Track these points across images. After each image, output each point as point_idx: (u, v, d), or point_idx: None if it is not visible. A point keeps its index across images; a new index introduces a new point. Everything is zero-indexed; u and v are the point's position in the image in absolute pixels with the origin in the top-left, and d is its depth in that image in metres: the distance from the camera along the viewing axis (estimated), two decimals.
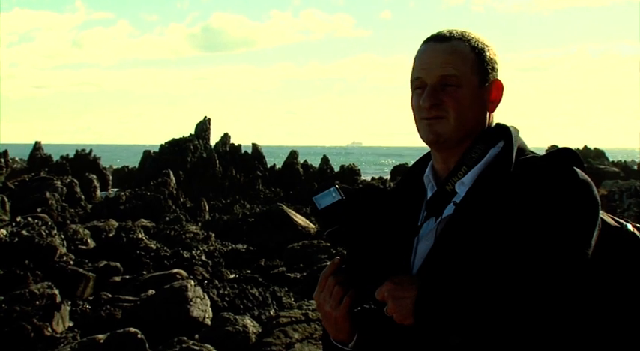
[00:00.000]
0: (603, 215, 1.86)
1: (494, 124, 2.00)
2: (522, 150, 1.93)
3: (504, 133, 1.96)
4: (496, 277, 1.75)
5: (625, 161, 45.24)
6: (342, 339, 1.98)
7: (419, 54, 1.99)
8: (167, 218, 20.47)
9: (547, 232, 1.75)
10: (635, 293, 1.80)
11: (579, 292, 1.74)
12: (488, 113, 1.98)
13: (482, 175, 1.91)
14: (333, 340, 2.01)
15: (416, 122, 1.99)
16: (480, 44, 1.97)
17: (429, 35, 2.02)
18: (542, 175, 1.82)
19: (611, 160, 45.60)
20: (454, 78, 1.92)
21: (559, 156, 1.88)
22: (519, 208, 1.79)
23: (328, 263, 2.03)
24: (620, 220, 1.90)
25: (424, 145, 2.02)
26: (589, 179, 1.82)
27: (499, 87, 1.98)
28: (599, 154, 44.88)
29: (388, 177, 36.05)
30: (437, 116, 1.92)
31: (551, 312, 1.71)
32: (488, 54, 1.97)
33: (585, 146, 46.06)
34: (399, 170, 36.07)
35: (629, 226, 1.87)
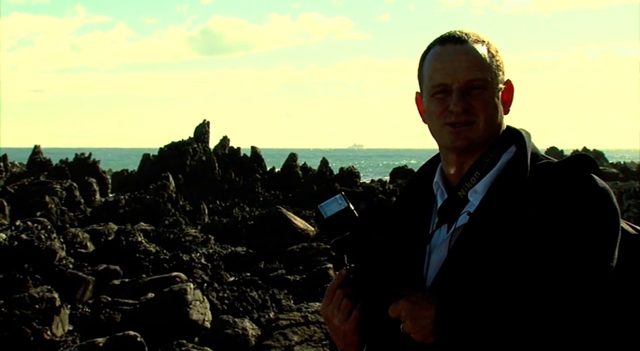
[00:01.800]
0: (622, 223, 1.81)
1: (505, 127, 1.95)
2: (536, 155, 1.89)
3: (516, 137, 1.91)
4: (515, 292, 1.70)
5: (624, 162, 45.31)
6: None
7: (436, 56, 1.92)
8: (166, 221, 20.46)
9: (567, 244, 1.71)
10: None
11: (601, 306, 1.70)
12: (504, 115, 1.94)
13: (497, 182, 1.86)
14: None
15: (436, 127, 1.92)
16: (493, 45, 1.93)
17: (438, 36, 1.96)
18: (560, 183, 1.77)
19: (610, 161, 45.69)
20: (481, 81, 1.87)
21: (576, 162, 1.82)
22: (537, 217, 1.74)
23: (336, 275, 1.97)
24: (638, 227, 1.86)
25: (425, 146, 2.03)
26: (607, 187, 1.78)
27: (511, 88, 1.95)
28: (598, 155, 44.96)
29: (388, 179, 36.05)
30: (466, 121, 1.86)
31: (571, 328, 1.67)
32: (500, 55, 1.94)
33: (584, 147, 46.15)
34: (398, 172, 36.04)
35: None
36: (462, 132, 1.86)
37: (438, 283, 1.83)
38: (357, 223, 1.88)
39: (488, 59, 1.89)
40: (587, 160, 1.82)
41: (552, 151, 46.10)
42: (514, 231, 1.75)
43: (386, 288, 1.82)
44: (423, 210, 1.99)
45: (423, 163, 2.10)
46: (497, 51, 1.93)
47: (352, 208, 1.91)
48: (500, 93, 1.91)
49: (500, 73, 1.92)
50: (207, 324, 9.48)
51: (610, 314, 1.73)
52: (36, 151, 33.85)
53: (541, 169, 1.82)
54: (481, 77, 1.86)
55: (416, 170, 2.13)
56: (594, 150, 46.43)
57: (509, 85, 1.94)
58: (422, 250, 1.92)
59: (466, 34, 1.91)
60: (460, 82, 1.86)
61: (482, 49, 1.90)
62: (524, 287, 1.69)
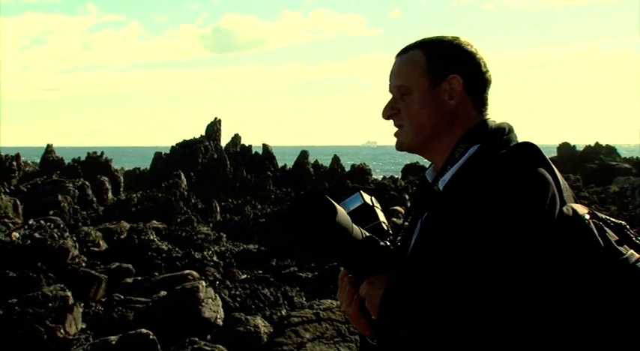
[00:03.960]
0: (568, 207, 1.83)
1: (488, 120, 2.03)
2: (506, 144, 1.95)
3: (483, 129, 1.99)
4: (447, 275, 1.82)
5: (637, 157, 44.98)
6: (369, 335, 2.06)
7: None
8: (178, 219, 20.49)
9: (482, 229, 1.80)
10: (583, 283, 1.76)
11: (512, 292, 1.75)
12: (452, 110, 2.00)
13: (458, 172, 1.96)
14: (365, 336, 2.10)
15: None
16: (435, 46, 2.03)
17: (441, 34, 2.10)
18: (494, 171, 1.86)
19: (623, 156, 45.35)
20: (404, 87, 2.03)
21: (513, 151, 1.91)
22: (477, 204, 1.84)
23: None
24: (584, 211, 1.85)
25: None
26: (541, 174, 1.84)
27: (455, 82, 1.99)
28: (610, 150, 44.61)
29: (399, 176, 35.96)
30: (397, 126, 2.06)
31: (476, 312, 1.75)
32: (446, 52, 2.01)
33: (597, 143, 45.80)
34: (410, 169, 35.93)
35: (587, 216, 1.83)
36: (396, 136, 2.07)
37: (403, 267, 1.96)
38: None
39: (419, 62, 2.02)
40: (526, 150, 1.90)
41: (565, 146, 45.82)
42: (462, 217, 1.85)
43: (365, 273, 1.96)
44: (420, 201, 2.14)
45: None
46: (442, 48, 2.02)
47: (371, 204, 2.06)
48: (438, 90, 2.00)
49: (444, 68, 2.00)
50: (220, 322, 9.50)
51: (532, 296, 1.76)
52: (48, 150, 33.96)
53: (492, 159, 1.91)
54: (402, 84, 2.04)
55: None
56: (607, 145, 46.06)
57: (450, 79, 1.99)
58: (410, 237, 2.06)
59: (414, 43, 2.07)
60: (393, 90, 2.07)
61: (412, 54, 2.05)
62: (453, 273, 1.81)
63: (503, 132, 1.99)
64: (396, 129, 2.07)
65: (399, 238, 2.08)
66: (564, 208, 1.83)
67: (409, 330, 1.84)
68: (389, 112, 2.06)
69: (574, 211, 1.84)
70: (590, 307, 1.76)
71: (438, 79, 1.99)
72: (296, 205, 1.91)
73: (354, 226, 1.90)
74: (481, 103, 2.04)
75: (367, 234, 1.94)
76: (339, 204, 1.92)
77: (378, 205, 2.07)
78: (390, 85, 2.08)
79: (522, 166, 1.85)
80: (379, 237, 1.98)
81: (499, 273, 1.76)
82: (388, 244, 2.00)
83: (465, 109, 2.01)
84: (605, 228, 1.82)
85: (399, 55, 2.09)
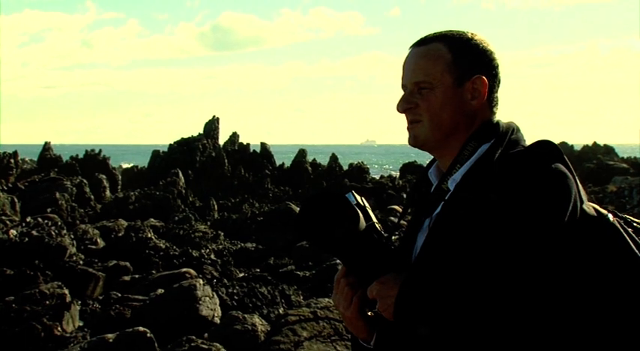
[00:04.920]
0: (587, 205, 1.83)
1: (496, 120, 1.99)
2: (515, 144, 1.94)
3: (495, 129, 1.96)
4: (467, 272, 1.78)
5: (635, 157, 45.01)
6: (364, 338, 2.03)
7: (404, 60, 2.03)
8: (176, 217, 20.49)
9: (504, 228, 1.76)
10: (610, 283, 1.76)
11: (535, 290, 1.73)
12: (473, 110, 1.97)
13: (470, 170, 1.92)
14: (359, 339, 2.06)
15: None
16: (460, 42, 1.97)
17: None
18: (515, 169, 1.82)
19: (621, 156, 45.35)
20: (425, 82, 1.95)
21: (533, 149, 1.88)
22: (493, 202, 1.80)
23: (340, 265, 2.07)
24: (604, 211, 1.86)
25: None
26: (564, 172, 1.81)
27: (479, 83, 1.96)
28: (608, 150, 44.62)
29: (397, 174, 35.95)
30: (412, 120, 1.98)
31: (498, 310, 1.73)
32: (471, 50, 1.97)
33: (595, 142, 45.81)
34: (408, 168, 35.95)
35: (610, 216, 1.83)
36: (410, 130, 2.00)
37: (413, 266, 1.93)
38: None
39: (444, 57, 1.95)
40: (547, 147, 1.86)
41: (562, 146, 45.83)
42: (477, 215, 1.81)
43: (373, 275, 1.92)
44: (423, 200, 2.09)
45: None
46: (468, 46, 1.97)
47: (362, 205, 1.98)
48: (462, 89, 1.95)
49: (469, 68, 1.96)
50: (217, 320, 9.50)
51: (559, 295, 1.74)
52: (46, 147, 33.91)
53: (507, 157, 1.88)
54: (424, 79, 1.95)
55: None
56: (605, 145, 46.05)
57: (477, 80, 1.96)
58: (414, 237, 2.02)
59: (433, 35, 2.00)
60: (409, 84, 1.99)
61: (436, 48, 1.97)
62: (472, 271, 1.78)
63: (513, 131, 1.96)
64: (410, 123, 1.99)
65: (394, 237, 2.05)
66: (586, 208, 1.82)
67: (431, 328, 1.81)
68: (405, 106, 1.99)
69: (597, 210, 1.83)
70: (616, 307, 1.75)
71: (463, 78, 1.95)
72: (313, 205, 1.88)
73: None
74: (495, 103, 2.02)
75: (375, 234, 1.91)
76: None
77: (369, 206, 2.01)
78: (404, 76, 2.01)
79: (544, 163, 1.81)
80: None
81: (521, 271, 1.73)
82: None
83: (483, 109, 1.98)
84: (628, 228, 1.82)
85: (417, 45, 2.01)
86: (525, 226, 1.75)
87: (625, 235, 1.80)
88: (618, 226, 1.82)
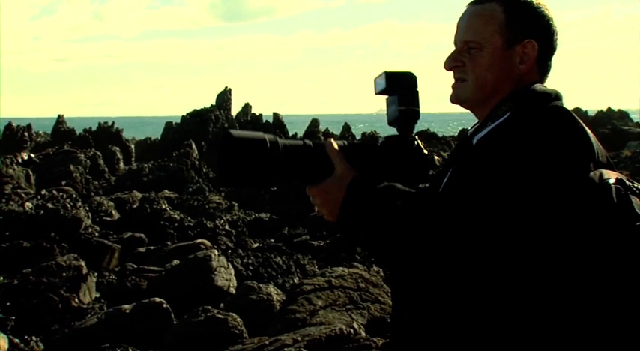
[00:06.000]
0: (597, 171, 1.77)
1: (537, 85, 1.95)
2: (543, 108, 1.90)
3: (531, 93, 1.93)
4: (429, 198, 1.81)
5: None
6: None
7: (459, 17, 2.04)
8: (190, 189, 20.53)
9: (502, 172, 1.74)
10: (594, 246, 1.71)
11: (503, 237, 1.68)
12: (520, 75, 1.94)
13: (495, 128, 1.92)
14: None
15: None
16: (517, 4, 1.95)
17: None
18: (528, 130, 1.80)
19: (635, 121, 45.01)
20: (474, 43, 1.95)
21: (548, 112, 1.86)
22: (502, 151, 1.80)
23: None
24: (608, 176, 1.78)
25: (453, 110, 2.07)
26: (579, 136, 1.79)
27: (530, 47, 1.93)
28: (623, 115, 44.29)
29: None
30: (458, 78, 1.99)
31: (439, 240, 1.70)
32: (527, 14, 1.94)
33: (609, 107, 45.48)
34: (421, 136, 35.79)
35: (611, 181, 1.76)
36: (455, 88, 2.00)
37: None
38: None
39: (496, 18, 1.94)
40: (561, 112, 1.85)
41: (576, 112, 45.44)
42: (483, 167, 1.81)
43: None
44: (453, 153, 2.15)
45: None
46: (523, 9, 1.94)
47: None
48: (511, 51, 1.94)
49: (521, 30, 1.93)
50: (232, 290, 9.55)
51: (543, 256, 1.71)
52: (60, 120, 33.99)
53: (526, 118, 1.86)
54: (474, 39, 1.95)
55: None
56: (619, 110, 45.71)
57: (527, 44, 1.94)
58: (438, 185, 2.01)
59: None
60: (459, 43, 1.99)
61: (491, 8, 1.95)
62: (437, 197, 1.83)
63: (549, 97, 1.93)
64: (456, 81, 2.00)
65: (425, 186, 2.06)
66: (591, 173, 1.77)
67: (369, 236, 1.82)
68: (452, 64, 1.99)
69: (600, 175, 1.77)
70: (597, 269, 1.70)
71: (514, 41, 1.94)
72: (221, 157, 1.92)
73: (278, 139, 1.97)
74: (546, 70, 2.00)
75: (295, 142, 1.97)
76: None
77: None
78: (456, 34, 2.01)
79: (557, 125, 1.81)
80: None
81: (498, 212, 1.70)
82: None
83: (531, 75, 1.96)
84: (631, 195, 1.75)
85: (473, 3, 2.00)
86: (523, 176, 1.72)
87: (615, 198, 1.72)
88: (614, 190, 1.74)
